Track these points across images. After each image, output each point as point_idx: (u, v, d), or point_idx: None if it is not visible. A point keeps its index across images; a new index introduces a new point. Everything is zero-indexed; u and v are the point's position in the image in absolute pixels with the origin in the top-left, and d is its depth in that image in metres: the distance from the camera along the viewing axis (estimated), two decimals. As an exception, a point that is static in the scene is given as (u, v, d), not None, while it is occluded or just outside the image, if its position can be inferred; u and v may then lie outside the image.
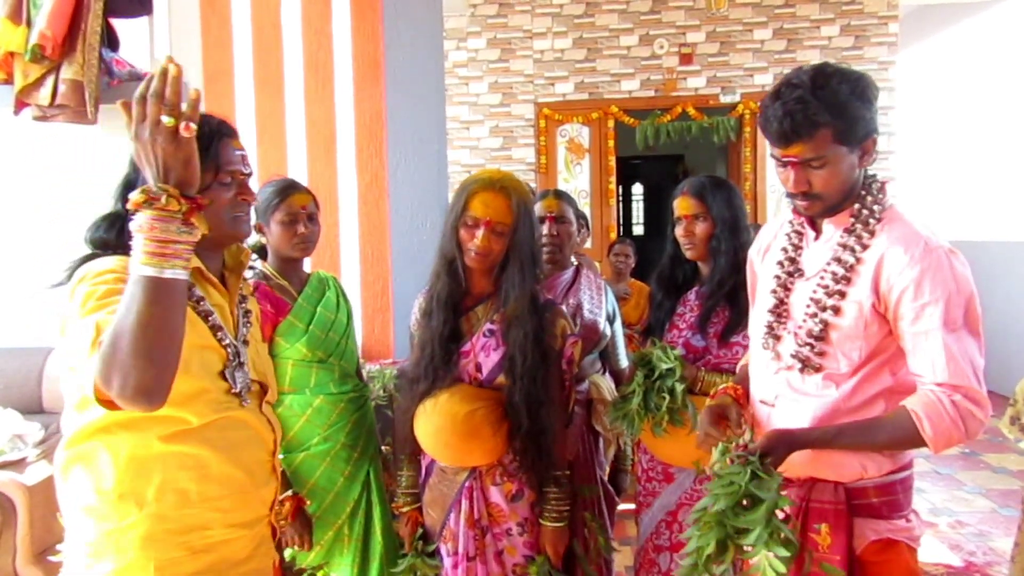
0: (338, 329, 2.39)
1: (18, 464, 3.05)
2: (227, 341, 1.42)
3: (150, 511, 1.32)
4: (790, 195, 1.57)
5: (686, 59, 7.02)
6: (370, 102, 3.89)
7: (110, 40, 3.81)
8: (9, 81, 3.61)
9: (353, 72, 3.89)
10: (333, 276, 2.54)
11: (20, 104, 3.64)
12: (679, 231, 2.30)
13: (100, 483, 1.32)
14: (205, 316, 1.39)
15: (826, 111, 1.46)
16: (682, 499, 2.27)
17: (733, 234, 2.22)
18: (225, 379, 1.41)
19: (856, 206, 1.56)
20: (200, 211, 1.23)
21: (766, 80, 6.89)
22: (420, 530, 2.09)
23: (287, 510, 2.10)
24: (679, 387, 2.09)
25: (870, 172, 1.61)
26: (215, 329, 1.40)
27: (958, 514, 4.09)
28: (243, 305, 1.55)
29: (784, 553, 1.33)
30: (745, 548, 1.37)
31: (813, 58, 6.95)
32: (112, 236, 1.38)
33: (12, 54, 3.54)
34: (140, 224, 1.17)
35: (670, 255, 2.42)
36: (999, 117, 6.78)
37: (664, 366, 2.11)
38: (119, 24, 3.89)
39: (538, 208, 2.53)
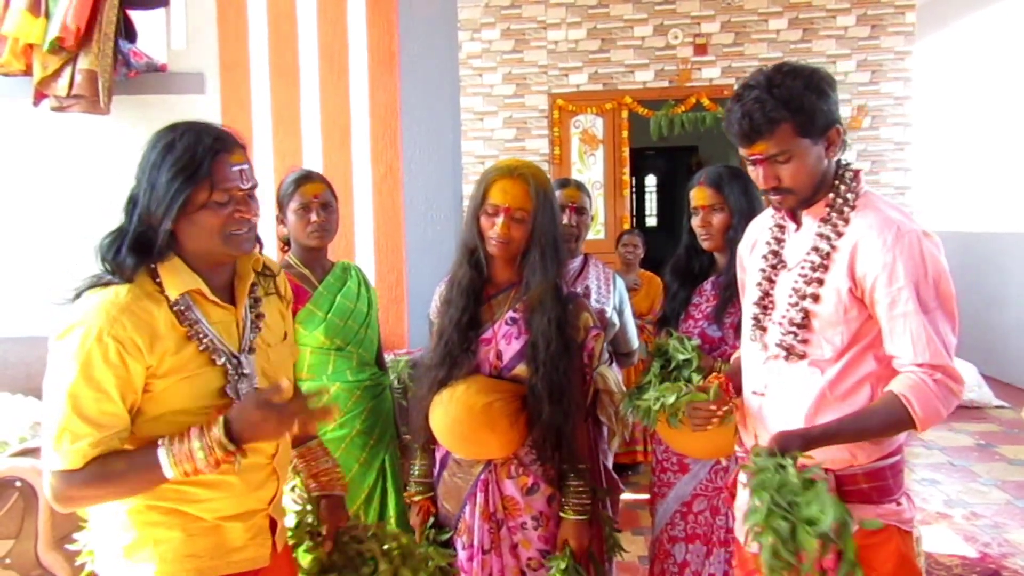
0: (357, 318, 2.41)
1: (39, 451, 3.09)
2: (222, 361, 1.43)
3: (147, 502, 1.41)
4: (762, 191, 1.63)
5: (700, 49, 6.99)
6: (385, 93, 3.90)
7: (128, 31, 3.82)
8: (28, 72, 3.64)
9: (368, 63, 3.90)
10: (357, 266, 2.56)
11: (39, 95, 3.66)
12: (696, 222, 2.30)
13: None
14: (199, 340, 1.41)
15: (783, 107, 1.52)
16: (697, 490, 2.28)
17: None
18: (227, 395, 1.44)
19: (831, 196, 1.61)
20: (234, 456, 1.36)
21: (781, 70, 6.83)
22: (432, 519, 2.09)
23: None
24: (696, 378, 2.09)
25: (844, 161, 1.66)
26: (209, 351, 1.42)
27: (973, 506, 4.07)
28: (255, 310, 1.55)
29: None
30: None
31: (829, 48, 6.91)
32: (119, 257, 1.39)
33: (31, 46, 3.57)
34: (194, 453, 1.33)
35: (686, 245, 2.42)
36: (1018, 107, 6.71)
37: (681, 356, 2.11)
38: (136, 15, 3.91)
39: (559, 197, 2.52)
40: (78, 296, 1.39)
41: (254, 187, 1.47)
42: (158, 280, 1.40)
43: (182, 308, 1.40)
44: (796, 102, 1.52)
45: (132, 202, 1.42)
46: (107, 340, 1.31)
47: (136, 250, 1.39)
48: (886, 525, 1.59)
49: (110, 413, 1.33)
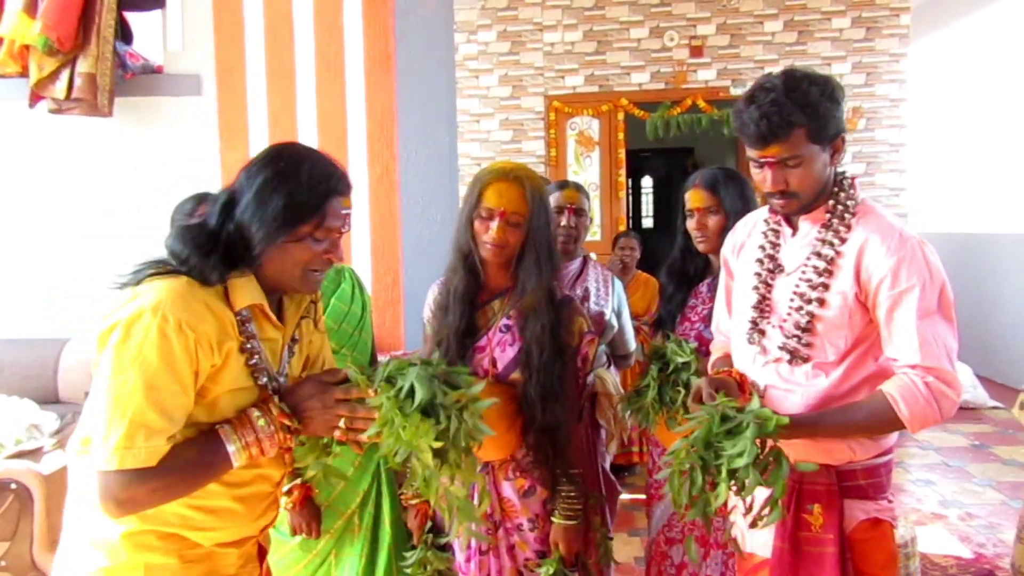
0: (351, 321, 2.40)
1: (35, 453, 3.09)
2: (263, 380, 1.40)
3: (144, 525, 1.34)
4: (768, 195, 1.65)
5: (696, 51, 7.00)
6: (381, 95, 3.90)
7: (124, 33, 3.83)
8: (24, 74, 3.64)
9: (364, 65, 3.90)
10: (351, 268, 2.54)
11: (35, 97, 3.67)
12: (691, 224, 2.31)
13: None
14: (250, 354, 1.38)
15: (800, 111, 1.54)
16: (694, 492, 2.28)
17: (745, 227, 2.22)
18: None
19: (831, 202, 1.64)
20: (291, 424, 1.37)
21: (777, 72, 6.88)
22: (430, 523, 2.07)
23: (295, 498, 2.10)
24: (695, 380, 2.09)
25: (839, 170, 1.68)
26: (254, 369, 1.39)
27: (968, 506, 4.09)
28: (295, 330, 1.52)
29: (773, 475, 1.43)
30: (732, 483, 1.43)
31: (824, 50, 6.93)
32: (207, 261, 1.32)
33: (27, 47, 3.57)
34: (259, 432, 1.33)
35: (681, 247, 2.42)
36: (1012, 109, 6.74)
37: (679, 359, 2.10)
38: (132, 17, 3.91)
39: (557, 199, 2.53)
40: (138, 282, 1.31)
41: (347, 232, 1.46)
42: (225, 284, 1.35)
43: (243, 319, 1.37)
44: (812, 108, 1.54)
45: (229, 205, 1.37)
46: (187, 330, 1.24)
47: (225, 259, 1.34)
48: (880, 520, 1.63)
49: (183, 407, 1.27)
